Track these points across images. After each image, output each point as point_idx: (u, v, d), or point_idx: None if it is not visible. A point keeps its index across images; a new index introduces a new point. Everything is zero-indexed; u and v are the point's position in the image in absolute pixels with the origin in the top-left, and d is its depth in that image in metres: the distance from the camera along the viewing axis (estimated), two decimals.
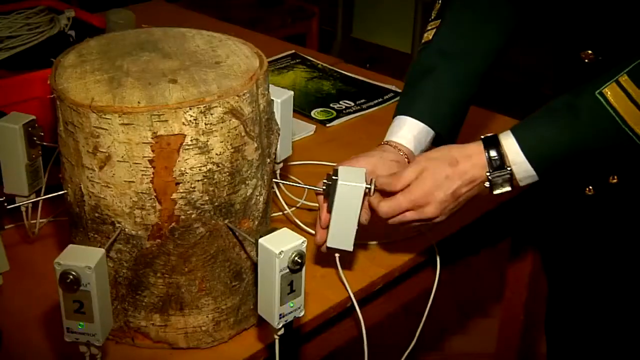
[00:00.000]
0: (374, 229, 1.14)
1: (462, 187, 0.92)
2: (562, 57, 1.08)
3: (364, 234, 1.13)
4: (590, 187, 1.05)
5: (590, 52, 0.99)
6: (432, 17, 1.14)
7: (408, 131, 1.06)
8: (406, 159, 1.04)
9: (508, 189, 0.91)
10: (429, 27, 1.13)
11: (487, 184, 0.92)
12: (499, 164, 0.90)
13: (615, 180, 1.02)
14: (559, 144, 0.88)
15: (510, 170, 0.90)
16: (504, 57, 1.13)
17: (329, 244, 0.98)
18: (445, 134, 1.09)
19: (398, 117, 1.09)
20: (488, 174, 0.91)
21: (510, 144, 0.90)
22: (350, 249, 0.98)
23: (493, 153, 0.91)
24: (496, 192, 0.92)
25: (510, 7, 1.09)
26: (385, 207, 0.94)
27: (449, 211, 0.94)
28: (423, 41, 1.13)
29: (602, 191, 1.05)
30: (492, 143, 0.91)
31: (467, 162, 0.92)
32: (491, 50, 1.10)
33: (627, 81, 0.84)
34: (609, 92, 0.85)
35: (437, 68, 1.08)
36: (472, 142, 0.93)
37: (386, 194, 0.96)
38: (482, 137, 0.92)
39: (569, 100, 0.88)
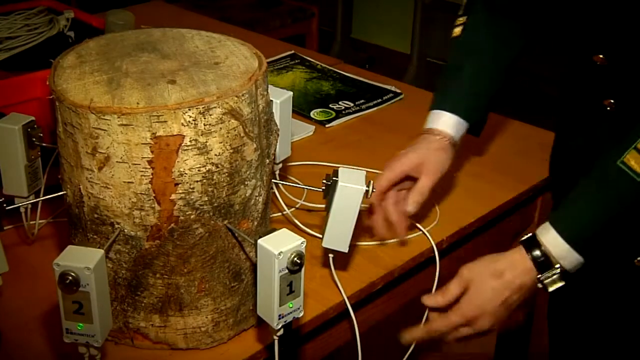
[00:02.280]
0: (373, 229, 1.14)
1: (512, 295, 0.94)
2: (575, 60, 1.09)
3: (363, 235, 1.13)
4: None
5: (602, 56, 1.00)
6: (460, 12, 1.18)
7: (447, 120, 1.11)
8: (449, 144, 1.08)
9: (562, 284, 0.92)
10: (457, 23, 1.17)
11: (539, 285, 0.93)
12: (546, 263, 0.92)
13: None
14: (596, 222, 0.90)
15: (560, 266, 0.91)
16: (528, 53, 1.17)
17: (325, 244, 0.98)
18: (478, 124, 1.15)
19: (434, 111, 1.12)
20: (539, 276, 0.92)
21: (551, 240, 0.91)
22: (346, 250, 0.98)
23: (537, 253, 0.92)
24: (551, 289, 0.93)
25: (530, 7, 1.13)
26: (438, 325, 0.97)
27: (503, 319, 0.96)
28: (452, 36, 1.17)
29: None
30: (533, 244, 0.92)
31: (513, 271, 0.93)
32: (513, 46, 1.14)
33: None
34: (631, 160, 0.86)
35: (466, 64, 1.13)
36: (513, 249, 0.94)
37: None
38: (521, 239, 0.94)
39: (594, 177, 0.90)
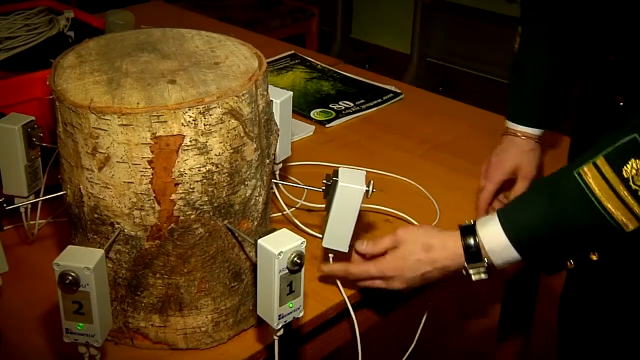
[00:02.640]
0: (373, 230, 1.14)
1: (433, 272, 0.95)
2: (594, 60, 1.12)
3: (363, 235, 1.13)
4: (571, 261, 1.06)
5: (612, 57, 1.03)
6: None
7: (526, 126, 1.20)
8: (535, 142, 1.19)
9: (485, 277, 0.93)
10: (518, 33, 1.23)
11: (464, 273, 0.94)
12: (475, 254, 0.92)
13: (595, 257, 1.04)
14: (540, 224, 0.89)
15: (487, 262, 0.92)
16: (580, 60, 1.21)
17: (325, 244, 0.98)
18: (548, 123, 1.21)
19: (509, 122, 1.22)
20: (465, 265, 0.93)
21: (488, 233, 0.91)
22: (346, 250, 0.98)
23: (470, 242, 0.92)
24: (474, 279, 0.94)
25: (565, 13, 1.16)
26: (355, 270, 0.98)
27: (416, 286, 0.98)
28: (515, 46, 1.23)
29: (583, 266, 1.06)
30: (469, 232, 0.93)
31: (442, 251, 0.94)
32: (551, 53, 1.17)
33: (602, 163, 0.85)
34: (587, 173, 0.86)
35: (521, 74, 1.20)
36: (451, 231, 0.95)
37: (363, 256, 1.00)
38: (461, 225, 0.94)
39: (550, 180, 0.90)
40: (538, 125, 1.19)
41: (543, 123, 1.20)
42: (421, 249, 0.94)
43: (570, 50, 1.17)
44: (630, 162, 0.83)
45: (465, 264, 0.93)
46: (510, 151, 1.19)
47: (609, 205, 0.84)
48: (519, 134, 1.20)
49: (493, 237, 0.91)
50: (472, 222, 0.93)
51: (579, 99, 1.18)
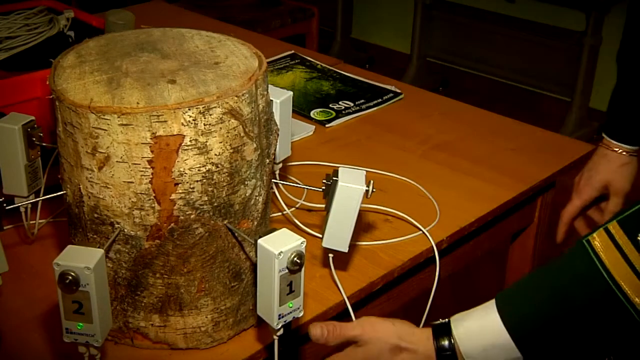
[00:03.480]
0: (372, 230, 1.14)
1: None
2: None
3: (363, 235, 1.13)
4: None
5: None
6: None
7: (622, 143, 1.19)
8: (629, 156, 1.17)
9: None
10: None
11: None
12: (450, 355, 0.82)
13: None
14: (541, 306, 0.77)
15: None
16: None
17: (325, 244, 0.98)
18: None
19: (607, 137, 1.20)
20: None
21: (463, 332, 0.81)
22: (346, 250, 0.98)
23: (444, 344, 0.82)
24: None
25: None
26: None
27: None
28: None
29: None
30: (443, 332, 0.83)
31: (413, 355, 0.84)
32: None
33: (615, 228, 0.75)
34: (596, 239, 0.76)
35: (622, 93, 1.17)
36: (423, 328, 0.85)
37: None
38: (433, 323, 0.85)
39: (557, 257, 0.80)
40: (635, 142, 1.17)
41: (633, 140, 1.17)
42: (389, 351, 0.84)
43: None
44: None
45: None
46: (600, 167, 1.18)
47: (618, 276, 0.73)
48: (611, 147, 1.18)
49: (476, 334, 0.80)
50: (447, 320, 0.83)
51: None
